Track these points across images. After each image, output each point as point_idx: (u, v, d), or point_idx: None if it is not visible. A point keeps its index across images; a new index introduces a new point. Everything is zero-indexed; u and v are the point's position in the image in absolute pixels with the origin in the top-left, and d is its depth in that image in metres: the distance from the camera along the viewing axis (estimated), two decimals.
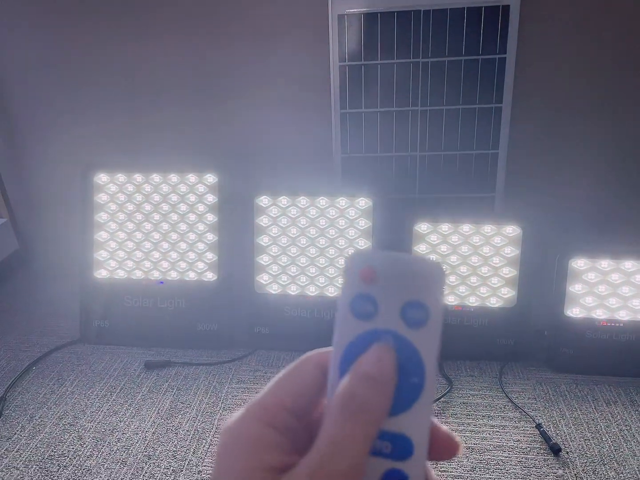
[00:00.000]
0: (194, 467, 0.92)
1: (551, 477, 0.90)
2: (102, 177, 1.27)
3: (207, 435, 0.99)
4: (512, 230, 1.14)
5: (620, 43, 1.24)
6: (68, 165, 1.47)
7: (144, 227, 1.27)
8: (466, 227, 1.15)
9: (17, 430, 1.01)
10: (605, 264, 1.10)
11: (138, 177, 1.27)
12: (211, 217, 1.25)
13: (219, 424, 1.02)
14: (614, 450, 0.95)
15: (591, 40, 1.24)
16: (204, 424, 1.02)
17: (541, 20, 1.23)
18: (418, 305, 0.23)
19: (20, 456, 0.95)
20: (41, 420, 1.04)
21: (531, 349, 1.18)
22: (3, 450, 0.97)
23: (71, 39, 1.39)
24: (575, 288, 1.12)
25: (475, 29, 1.23)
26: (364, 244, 1.20)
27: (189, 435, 0.99)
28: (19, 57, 1.43)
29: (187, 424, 1.02)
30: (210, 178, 1.25)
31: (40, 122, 1.50)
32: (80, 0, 1.35)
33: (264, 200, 1.22)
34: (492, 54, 1.25)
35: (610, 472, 0.91)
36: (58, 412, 1.06)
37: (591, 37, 1.24)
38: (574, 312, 1.13)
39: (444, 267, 0.23)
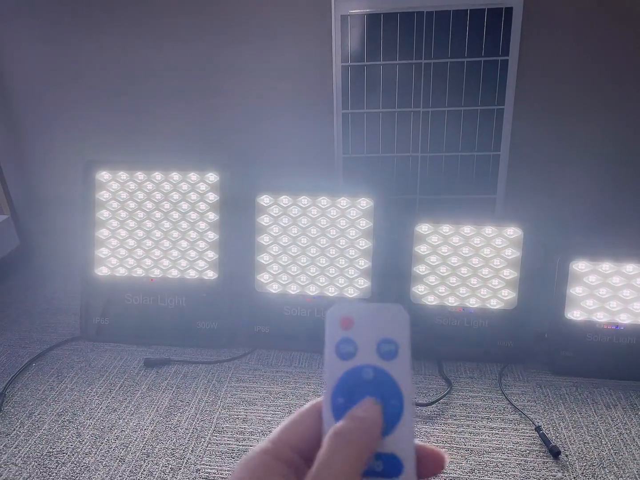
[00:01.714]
0: (192, 466, 0.92)
1: None
2: (103, 175, 1.28)
3: (206, 433, 0.99)
4: (513, 232, 1.14)
5: (623, 45, 1.24)
6: (70, 162, 1.48)
7: (145, 225, 1.27)
8: (467, 229, 1.15)
9: (16, 427, 1.01)
10: (606, 266, 1.10)
11: (140, 175, 1.27)
12: (212, 216, 1.25)
13: (218, 423, 1.02)
14: (613, 454, 0.95)
15: (594, 43, 1.24)
16: (202, 422, 1.02)
17: (544, 23, 1.23)
18: (389, 341, 0.28)
19: (18, 452, 0.95)
20: (40, 417, 1.04)
21: (531, 351, 1.18)
22: (2, 447, 0.97)
23: (73, 36, 1.39)
24: (576, 290, 1.11)
25: (477, 31, 1.24)
26: (364, 244, 1.20)
27: (188, 433, 0.99)
28: (21, 55, 1.44)
29: (186, 422, 1.02)
30: (212, 176, 1.25)
31: (42, 119, 1.50)
32: (81, 0, 1.35)
33: (265, 200, 1.22)
34: (495, 56, 1.25)
35: (610, 476, 0.91)
36: (57, 408, 1.06)
37: (594, 39, 1.24)
38: (574, 314, 1.12)
39: (405, 310, 0.30)
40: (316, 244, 1.21)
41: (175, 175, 1.26)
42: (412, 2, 1.23)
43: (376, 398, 0.28)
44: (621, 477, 0.90)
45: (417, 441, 0.28)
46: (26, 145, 1.55)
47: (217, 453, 0.95)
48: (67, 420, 1.03)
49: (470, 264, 1.16)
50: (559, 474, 0.91)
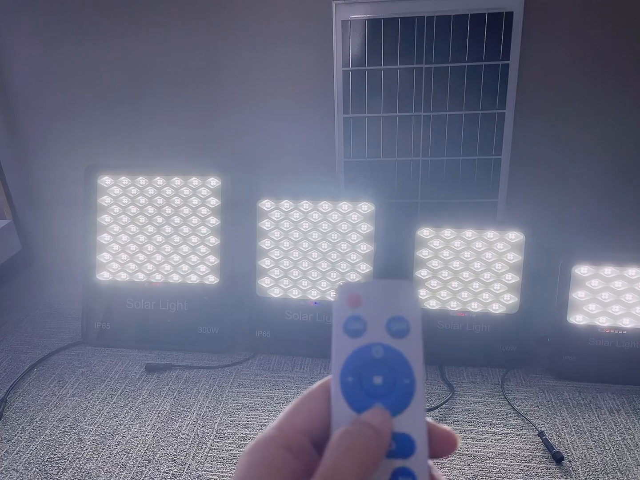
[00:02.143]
0: (194, 472, 0.92)
1: None
2: (105, 180, 1.28)
3: (207, 439, 0.99)
4: (515, 236, 1.14)
5: (624, 49, 1.24)
6: (71, 167, 1.48)
7: (147, 230, 1.27)
8: (469, 233, 1.15)
9: (17, 432, 1.01)
10: (608, 270, 1.09)
11: (141, 180, 1.27)
12: (214, 220, 1.25)
13: (219, 428, 1.02)
14: (617, 459, 0.94)
15: (594, 47, 1.24)
16: (204, 428, 1.02)
17: (544, 27, 1.23)
18: (399, 319, 0.27)
19: (20, 458, 0.95)
20: (41, 423, 1.04)
21: (534, 355, 1.18)
22: (3, 452, 0.97)
23: (75, 41, 1.40)
24: (578, 295, 1.11)
25: (478, 36, 1.24)
26: (366, 248, 1.20)
27: (189, 439, 0.99)
28: (23, 59, 1.44)
29: (187, 428, 1.02)
30: (213, 181, 1.25)
31: (44, 124, 1.51)
32: (82, 4, 1.36)
33: (266, 204, 1.22)
34: (496, 60, 1.25)
35: None
36: (58, 414, 1.06)
37: (594, 43, 1.24)
38: (577, 319, 1.12)
39: (415, 287, 0.28)
40: (317, 249, 1.21)
41: (176, 180, 1.26)
42: (412, 7, 1.23)
43: (380, 404, 0.27)
44: None
45: (428, 419, 0.27)
46: (28, 150, 1.55)
47: (218, 459, 0.94)
48: (69, 425, 1.03)
49: (472, 268, 1.16)
50: None
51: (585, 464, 0.93)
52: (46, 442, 0.99)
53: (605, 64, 1.25)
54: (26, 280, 1.61)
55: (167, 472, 0.92)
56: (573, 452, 0.96)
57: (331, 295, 1.20)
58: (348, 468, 0.24)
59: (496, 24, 1.23)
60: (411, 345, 0.27)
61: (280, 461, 0.25)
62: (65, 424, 1.03)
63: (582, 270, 1.10)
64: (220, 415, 1.05)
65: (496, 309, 1.16)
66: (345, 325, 0.28)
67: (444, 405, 1.06)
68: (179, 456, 0.95)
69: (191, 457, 0.95)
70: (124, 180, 1.28)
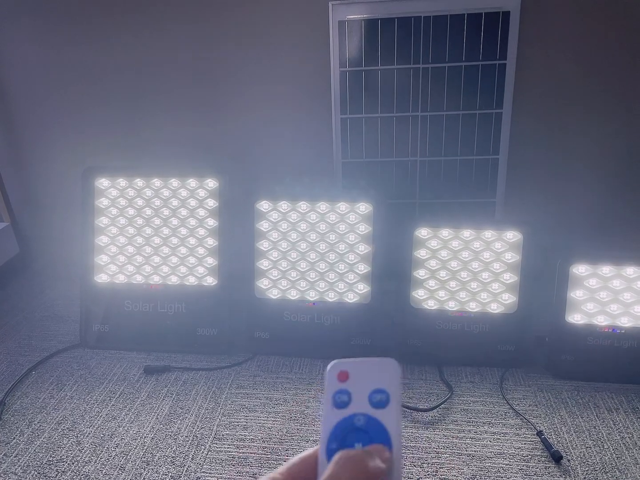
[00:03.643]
0: (193, 474, 0.92)
1: None
2: (103, 182, 1.28)
3: (206, 441, 0.99)
4: (512, 235, 1.14)
5: (621, 48, 1.24)
6: (69, 169, 1.48)
7: (145, 232, 1.27)
8: (467, 233, 1.15)
9: (16, 435, 1.01)
10: (606, 270, 1.10)
11: (139, 182, 1.27)
12: (212, 222, 1.25)
13: (218, 430, 1.02)
14: (615, 458, 0.94)
15: (591, 46, 1.24)
16: (202, 429, 1.02)
17: (541, 27, 1.23)
18: (381, 391, 0.31)
19: (18, 461, 0.95)
20: (40, 425, 1.03)
21: (532, 355, 1.18)
22: (1, 456, 0.96)
23: (72, 43, 1.40)
24: (576, 294, 1.11)
25: (475, 35, 1.24)
26: (364, 248, 1.20)
27: (188, 441, 0.99)
28: (21, 62, 1.44)
29: (186, 430, 1.02)
30: (211, 183, 1.25)
31: (41, 126, 1.51)
32: (80, 5, 1.36)
33: (264, 205, 1.22)
34: (493, 60, 1.25)
35: None
36: (57, 417, 1.06)
37: (592, 43, 1.24)
38: (575, 318, 1.12)
39: (397, 362, 0.32)
40: (316, 249, 1.21)
41: (174, 182, 1.26)
42: (409, 7, 1.23)
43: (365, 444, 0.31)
44: None
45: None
46: (26, 153, 1.55)
47: (217, 461, 0.94)
48: (67, 428, 1.03)
49: (470, 268, 1.16)
50: (561, 479, 0.90)
51: (584, 463, 0.93)
52: (45, 445, 0.98)
53: (602, 64, 1.25)
54: (24, 282, 1.60)
55: (166, 474, 0.92)
56: (572, 451, 0.96)
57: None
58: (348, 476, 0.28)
59: (493, 24, 1.23)
60: (390, 414, 0.30)
61: None
62: (64, 426, 1.03)
63: (580, 269, 1.10)
64: (219, 417, 1.05)
65: (494, 308, 1.16)
66: (334, 398, 0.31)
67: (442, 405, 1.06)
68: (178, 458, 0.95)
69: (190, 458, 0.95)
70: (122, 182, 1.27)
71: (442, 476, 0.91)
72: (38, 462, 0.95)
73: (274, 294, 1.24)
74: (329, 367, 0.32)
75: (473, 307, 1.17)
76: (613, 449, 0.96)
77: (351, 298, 1.21)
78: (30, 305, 1.48)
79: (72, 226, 1.40)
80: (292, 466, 0.31)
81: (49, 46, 1.41)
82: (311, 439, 0.99)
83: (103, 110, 1.45)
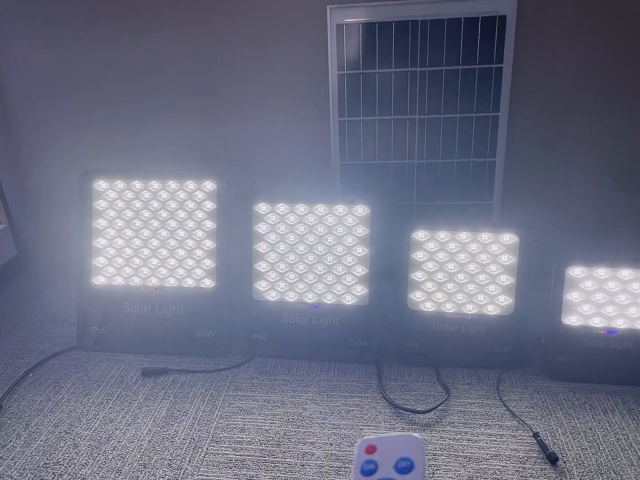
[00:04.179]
0: (190, 476, 0.92)
1: None
2: (100, 184, 1.28)
3: (204, 443, 0.99)
4: (509, 238, 1.15)
5: (619, 52, 1.25)
6: (67, 171, 1.48)
7: (143, 234, 1.27)
8: (463, 235, 1.16)
9: (13, 438, 1.01)
10: (602, 272, 1.10)
11: (137, 184, 1.27)
12: (210, 224, 1.25)
13: (215, 432, 1.02)
14: (611, 460, 0.95)
15: (588, 49, 1.25)
16: (200, 432, 1.02)
17: (537, 30, 1.24)
18: (405, 459, 0.35)
19: (15, 464, 0.95)
20: (37, 428, 1.03)
21: (529, 357, 1.18)
22: None
23: (70, 46, 1.40)
24: (572, 296, 1.12)
25: (472, 39, 1.25)
26: (361, 251, 1.20)
27: (185, 443, 0.99)
28: (19, 64, 1.44)
29: (183, 433, 1.02)
30: (209, 185, 1.25)
31: (39, 129, 1.51)
32: (78, 8, 1.36)
33: (262, 207, 1.23)
34: (489, 64, 1.26)
35: None
36: (54, 419, 1.06)
37: (588, 46, 1.25)
38: (571, 320, 1.13)
39: (420, 438, 0.38)
40: (313, 252, 1.22)
41: (172, 184, 1.26)
42: (406, 11, 1.24)
43: None
44: None
45: None
46: (23, 155, 1.55)
47: (214, 463, 0.94)
48: (64, 431, 1.02)
49: (467, 270, 1.16)
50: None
51: (580, 464, 0.94)
52: (41, 448, 0.98)
53: (598, 67, 1.26)
54: (21, 285, 1.60)
55: (163, 477, 0.92)
56: (568, 452, 0.96)
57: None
58: None
59: (489, 28, 1.24)
60: (415, 478, 0.34)
61: None
62: (61, 429, 1.03)
63: (575, 271, 1.11)
64: (217, 419, 1.05)
65: (491, 310, 1.17)
66: (362, 467, 0.35)
67: (439, 407, 1.07)
68: (175, 461, 0.95)
69: (187, 461, 0.95)
70: (120, 184, 1.27)
71: (439, 478, 0.91)
72: (35, 465, 0.94)
73: (272, 296, 1.24)
74: (357, 443, 0.37)
75: (470, 309, 1.17)
76: (609, 451, 0.97)
77: (349, 300, 1.22)
78: (27, 308, 1.48)
79: (69, 228, 1.40)
80: None
81: (48, 48, 1.41)
82: (308, 441, 0.99)
83: (101, 113, 1.45)
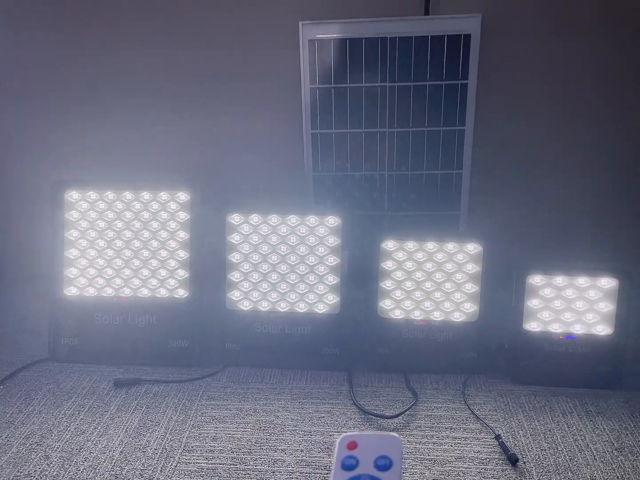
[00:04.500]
0: None
1: None
2: (72, 195, 1.28)
3: (175, 453, 1.00)
4: (473, 247, 1.19)
5: (578, 66, 1.31)
6: (38, 182, 1.47)
7: (115, 245, 1.28)
8: (430, 245, 1.20)
9: None
10: (560, 280, 1.16)
11: (109, 195, 1.28)
12: (183, 234, 1.27)
13: (187, 442, 1.03)
14: (568, 460, 1.00)
15: (548, 66, 1.32)
16: (172, 442, 1.03)
17: (500, 48, 1.30)
18: (385, 457, 0.37)
19: None
20: (7, 440, 1.03)
21: (493, 362, 1.23)
22: None
23: (40, 53, 1.40)
24: (532, 303, 1.17)
25: (438, 56, 1.30)
26: (333, 260, 1.23)
27: (157, 453, 1.00)
28: None
29: (155, 442, 1.03)
30: (182, 196, 1.27)
31: (10, 138, 1.50)
32: (54, 15, 1.36)
33: (235, 218, 1.25)
34: (455, 80, 1.31)
35: None
36: (25, 431, 1.05)
37: (548, 63, 1.31)
38: (532, 326, 1.18)
39: (399, 437, 0.40)
40: (286, 261, 1.24)
41: (145, 195, 1.27)
42: (376, 28, 1.28)
43: None
44: None
45: None
46: None
47: (186, 472, 0.96)
48: (35, 442, 1.02)
49: (434, 279, 1.21)
50: None
51: (539, 465, 0.98)
52: (12, 460, 0.98)
53: (560, 83, 1.33)
54: None
55: None
56: (528, 453, 1.01)
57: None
58: None
59: (455, 46, 1.29)
60: (393, 476, 0.36)
61: None
62: (32, 441, 1.03)
63: (535, 279, 1.16)
64: (189, 429, 1.06)
65: (457, 317, 1.21)
66: (343, 462, 0.37)
67: (407, 412, 1.10)
68: (147, 470, 0.96)
69: (159, 471, 0.96)
70: (92, 195, 1.28)
71: None
72: (5, 478, 0.94)
73: (245, 306, 1.26)
74: (339, 438, 0.38)
75: (437, 316, 1.22)
76: (566, 451, 1.02)
77: (321, 309, 1.25)
78: None
79: (40, 239, 1.39)
80: None
81: (15, 59, 1.41)
82: (279, 448, 1.01)
83: (71, 123, 1.45)
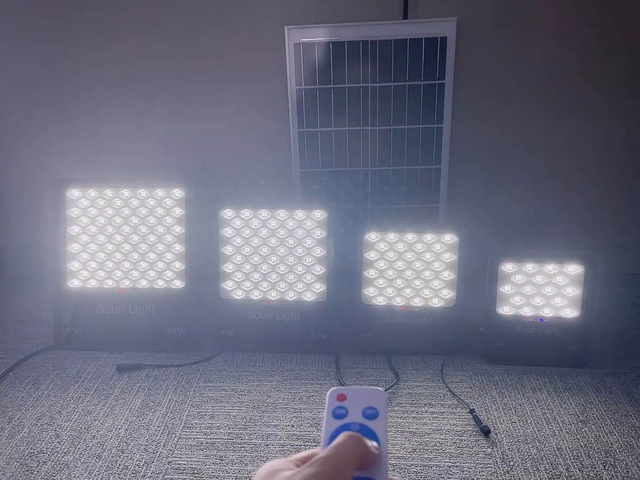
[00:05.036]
0: (165, 459, 1.02)
1: (481, 455, 1.03)
2: (74, 192, 1.35)
3: (177, 429, 1.09)
4: (450, 238, 1.28)
5: (547, 68, 1.40)
6: (39, 179, 1.54)
7: (115, 239, 1.35)
8: (410, 236, 1.29)
9: None
10: (530, 267, 1.25)
11: (108, 192, 1.35)
12: (179, 229, 1.34)
13: (187, 419, 1.12)
14: (536, 431, 1.09)
15: (520, 66, 1.40)
16: (173, 420, 1.12)
17: (475, 50, 1.38)
18: (372, 408, 0.40)
19: (1, 455, 1.03)
20: (20, 422, 1.11)
21: (469, 344, 1.32)
22: None
23: (40, 56, 1.46)
24: (505, 289, 1.26)
25: (417, 58, 1.37)
26: (320, 252, 1.32)
27: (160, 430, 1.09)
28: None
29: (158, 421, 1.11)
30: (178, 192, 1.34)
31: (13, 139, 1.56)
32: (50, 21, 1.42)
33: (227, 213, 1.32)
34: (433, 80, 1.39)
35: (532, 450, 1.04)
36: (35, 413, 1.14)
37: (520, 63, 1.40)
38: (504, 310, 1.27)
39: (384, 392, 0.42)
40: (276, 253, 1.32)
41: (142, 192, 1.34)
42: (358, 32, 1.36)
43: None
44: (542, 450, 1.04)
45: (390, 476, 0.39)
46: None
47: (187, 447, 1.05)
48: (46, 423, 1.11)
49: (414, 267, 1.30)
50: (489, 450, 1.04)
51: (509, 435, 1.08)
52: (25, 439, 1.06)
53: (532, 81, 1.41)
54: None
55: (140, 460, 1.01)
56: (499, 425, 1.10)
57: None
58: (349, 450, 0.36)
59: (432, 48, 1.37)
60: (379, 425, 0.39)
61: (285, 464, 0.37)
62: (43, 421, 1.11)
63: (507, 267, 1.25)
64: (188, 408, 1.15)
65: (436, 303, 1.30)
66: (333, 411, 0.40)
67: (389, 391, 1.19)
68: (151, 445, 1.05)
69: (162, 445, 1.05)
70: (92, 192, 1.35)
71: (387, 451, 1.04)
72: (20, 454, 1.03)
73: (238, 295, 1.34)
74: (329, 391, 0.42)
75: (417, 302, 1.31)
76: (535, 423, 1.11)
77: (309, 297, 1.33)
78: (3, 311, 1.54)
79: (42, 234, 1.46)
80: (302, 457, 0.38)
81: (17, 61, 1.47)
82: (272, 424, 1.10)
83: (71, 125, 1.52)
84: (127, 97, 1.48)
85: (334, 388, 0.41)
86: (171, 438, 1.07)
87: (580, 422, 1.11)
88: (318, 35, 1.36)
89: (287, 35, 1.36)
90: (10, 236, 1.68)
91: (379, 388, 0.41)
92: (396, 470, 0.99)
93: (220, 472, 0.99)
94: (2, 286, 1.66)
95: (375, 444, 0.38)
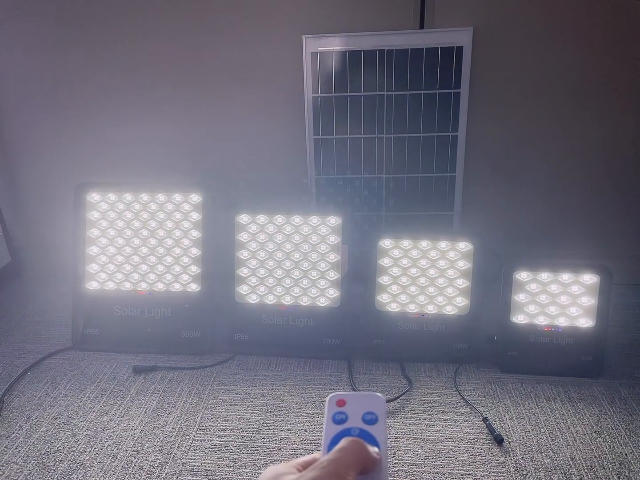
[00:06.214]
0: (179, 460, 1.03)
1: (494, 463, 1.03)
2: (94, 196, 1.38)
3: (191, 431, 1.10)
4: (464, 245, 1.28)
5: (559, 74, 1.40)
6: (59, 184, 1.58)
7: (133, 242, 1.38)
8: (424, 243, 1.29)
9: (15, 430, 1.11)
10: (545, 276, 1.24)
11: (128, 196, 1.38)
12: (195, 233, 1.37)
13: (201, 422, 1.13)
14: (550, 441, 1.08)
15: (536, 76, 1.41)
16: (187, 421, 1.13)
17: (491, 59, 1.39)
18: (371, 413, 0.41)
19: (19, 452, 1.05)
20: (37, 421, 1.13)
21: (483, 352, 1.32)
22: (3, 448, 1.06)
23: (62, 63, 1.50)
24: (519, 297, 1.26)
25: (433, 67, 1.39)
26: (334, 257, 1.33)
27: (174, 432, 1.10)
28: (12, 80, 1.53)
29: (172, 422, 1.13)
30: (195, 197, 1.36)
31: (34, 145, 1.60)
32: (69, 25, 1.46)
33: (244, 218, 1.34)
34: (448, 89, 1.40)
35: (546, 459, 1.03)
36: (53, 412, 1.16)
37: (535, 71, 1.40)
38: (519, 318, 1.27)
39: (383, 397, 0.42)
40: (290, 258, 1.34)
41: (160, 196, 1.37)
42: (374, 41, 1.38)
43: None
44: (556, 460, 1.03)
45: None
46: (19, 170, 1.64)
47: (200, 448, 1.06)
48: (63, 422, 1.13)
49: (428, 275, 1.30)
50: (502, 459, 1.04)
51: (523, 444, 1.07)
52: (42, 438, 1.08)
53: (546, 90, 1.42)
54: (15, 290, 1.69)
55: (155, 461, 1.03)
56: (512, 434, 1.10)
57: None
58: (351, 454, 0.36)
59: (448, 57, 1.38)
60: (379, 430, 0.40)
61: (289, 465, 0.38)
62: (60, 421, 1.13)
63: (522, 275, 1.25)
64: (203, 410, 1.16)
65: (449, 310, 1.31)
66: (333, 417, 0.40)
67: (402, 397, 1.20)
68: (165, 447, 1.06)
69: (176, 447, 1.06)
70: (112, 196, 1.38)
71: (399, 457, 1.04)
72: (37, 453, 1.04)
73: (252, 299, 1.36)
74: (329, 397, 0.42)
75: (430, 309, 1.31)
76: (548, 433, 1.10)
77: (322, 302, 1.34)
78: (22, 312, 1.57)
79: (61, 236, 1.50)
80: (304, 462, 0.38)
81: (39, 67, 1.51)
82: (285, 428, 1.11)
83: (91, 130, 1.55)
84: (149, 107, 1.51)
85: (334, 394, 0.42)
86: (185, 440, 1.08)
87: (595, 432, 1.10)
88: (335, 45, 1.38)
89: (305, 44, 1.38)
90: (30, 238, 1.72)
91: (378, 393, 0.42)
92: (408, 478, 0.99)
93: (233, 474, 1.00)
94: (22, 287, 1.70)
95: (376, 449, 0.38)
